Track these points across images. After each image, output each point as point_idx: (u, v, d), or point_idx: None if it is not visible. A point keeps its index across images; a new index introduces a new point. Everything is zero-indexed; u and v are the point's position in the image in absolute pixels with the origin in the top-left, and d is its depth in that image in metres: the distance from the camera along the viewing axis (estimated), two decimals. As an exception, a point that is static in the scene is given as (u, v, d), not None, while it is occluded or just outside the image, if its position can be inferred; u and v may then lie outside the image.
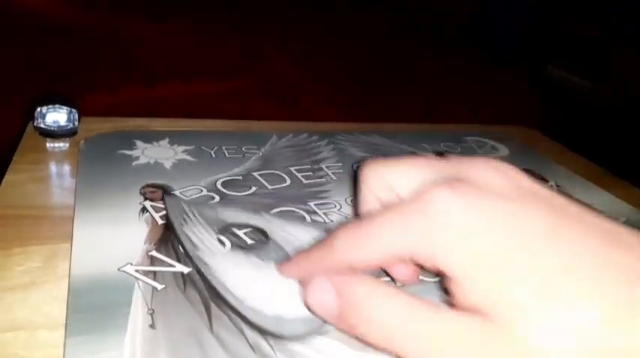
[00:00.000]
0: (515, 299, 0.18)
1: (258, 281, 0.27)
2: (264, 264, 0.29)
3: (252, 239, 0.31)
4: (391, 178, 0.24)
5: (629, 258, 0.18)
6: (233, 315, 0.25)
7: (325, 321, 0.24)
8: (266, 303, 0.26)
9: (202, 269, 0.28)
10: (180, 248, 0.29)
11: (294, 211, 0.35)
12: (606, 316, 0.17)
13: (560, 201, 0.21)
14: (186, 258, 0.28)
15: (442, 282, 0.21)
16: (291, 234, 0.32)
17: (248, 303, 0.26)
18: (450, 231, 0.20)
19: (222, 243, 0.30)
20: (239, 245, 0.30)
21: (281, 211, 0.35)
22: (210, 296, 0.26)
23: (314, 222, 0.34)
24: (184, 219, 0.32)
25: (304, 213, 0.35)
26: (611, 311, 0.17)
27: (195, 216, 0.32)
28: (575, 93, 2.20)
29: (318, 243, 0.25)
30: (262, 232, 0.32)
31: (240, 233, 0.32)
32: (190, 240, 0.30)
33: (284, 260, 0.28)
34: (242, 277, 0.28)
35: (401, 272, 0.26)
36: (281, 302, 0.26)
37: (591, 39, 2.22)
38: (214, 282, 0.27)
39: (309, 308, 0.24)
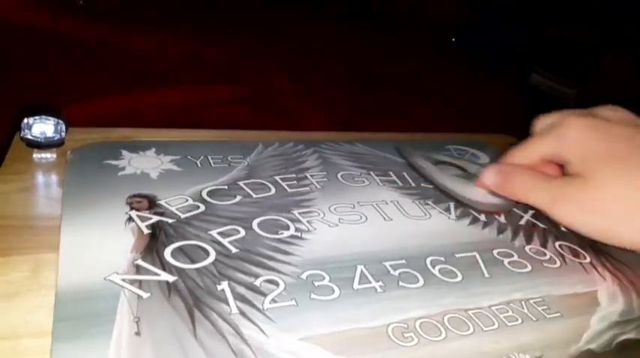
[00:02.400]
0: (596, 168, 0.33)
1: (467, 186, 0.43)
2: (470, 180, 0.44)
3: (236, 248, 0.32)
4: (549, 120, 0.39)
5: None
6: (217, 321, 0.26)
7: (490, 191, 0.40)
8: (473, 193, 0.42)
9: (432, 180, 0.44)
10: (170, 256, 0.30)
11: (278, 220, 0.36)
12: None
13: None
14: (172, 267, 0.29)
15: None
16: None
17: (463, 195, 0.43)
18: (572, 136, 0.35)
19: (206, 252, 0.31)
20: (223, 253, 0.31)
21: (264, 220, 0.36)
22: (194, 302, 0.27)
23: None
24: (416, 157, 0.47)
25: (288, 222, 0.36)
26: None
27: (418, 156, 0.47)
28: (561, 99, 2.24)
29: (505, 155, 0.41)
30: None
31: (225, 241, 0.32)
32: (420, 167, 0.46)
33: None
34: (456, 183, 0.44)
35: (547, 170, 0.39)
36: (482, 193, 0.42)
37: (576, 46, 2.26)
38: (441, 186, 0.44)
39: (483, 183, 0.41)
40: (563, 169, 0.38)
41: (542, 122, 0.40)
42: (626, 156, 0.33)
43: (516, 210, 0.43)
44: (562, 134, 0.36)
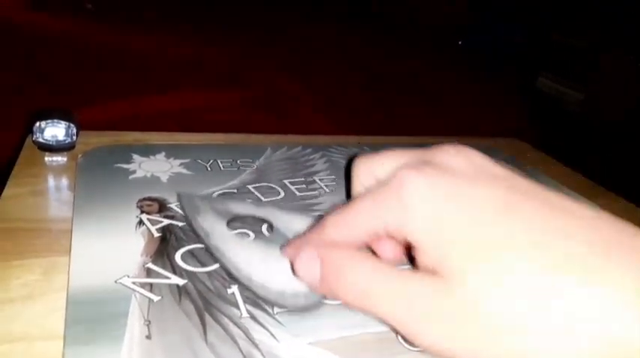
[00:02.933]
0: (460, 262, 0.22)
1: (265, 262, 0.31)
2: (271, 250, 0.32)
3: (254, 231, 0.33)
4: (375, 168, 0.28)
5: (570, 221, 0.21)
6: (228, 325, 0.26)
7: (311, 289, 0.27)
8: (271, 280, 0.29)
9: (215, 253, 0.31)
10: (180, 260, 0.30)
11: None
12: (540, 270, 0.20)
13: (517, 180, 0.24)
14: (182, 270, 0.29)
15: (409, 255, 0.25)
16: (291, 223, 0.36)
17: (256, 280, 0.29)
18: (414, 206, 0.23)
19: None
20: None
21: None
22: (205, 306, 0.27)
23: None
24: (197, 212, 0.35)
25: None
26: (545, 267, 0.20)
27: (206, 209, 0.35)
28: (567, 104, 2.23)
29: (311, 227, 0.29)
30: (266, 222, 0.36)
31: (247, 228, 0.33)
32: (203, 229, 0.33)
33: (282, 246, 0.31)
34: (251, 259, 0.31)
35: (385, 250, 0.28)
36: (285, 279, 0.29)
37: (581, 50, 2.25)
38: (226, 264, 0.30)
39: (297, 276, 0.27)
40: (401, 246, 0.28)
41: (366, 169, 0.28)
42: (503, 241, 0.21)
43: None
44: (403, 202, 0.23)
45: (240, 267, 0.30)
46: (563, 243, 0.20)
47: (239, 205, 0.37)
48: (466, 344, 0.21)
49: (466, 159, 0.25)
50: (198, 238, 0.32)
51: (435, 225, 0.23)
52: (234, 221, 0.35)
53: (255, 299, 0.28)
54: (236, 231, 0.34)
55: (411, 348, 0.26)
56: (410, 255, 0.25)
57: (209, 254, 0.31)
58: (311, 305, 0.28)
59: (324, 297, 0.28)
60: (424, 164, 0.25)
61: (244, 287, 0.29)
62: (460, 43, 2.52)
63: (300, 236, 0.30)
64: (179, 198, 0.36)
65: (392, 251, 0.28)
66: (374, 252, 0.29)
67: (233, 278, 0.29)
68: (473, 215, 0.22)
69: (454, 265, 0.22)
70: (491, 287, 0.21)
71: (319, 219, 0.29)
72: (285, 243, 0.31)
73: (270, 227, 0.35)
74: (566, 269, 0.20)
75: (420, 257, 0.23)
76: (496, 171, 0.25)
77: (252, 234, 0.34)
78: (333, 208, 0.27)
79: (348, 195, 0.31)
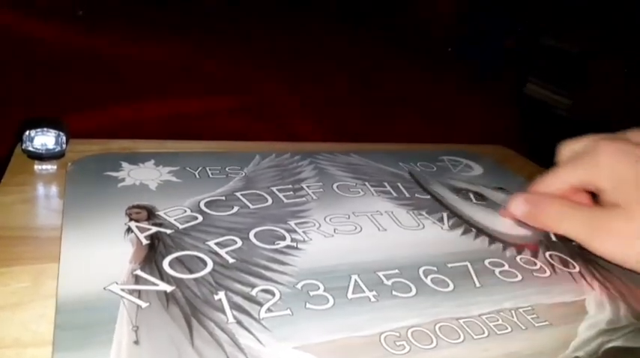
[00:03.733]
0: (635, 197, 0.33)
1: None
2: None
3: (233, 258, 0.33)
4: (574, 146, 0.38)
5: None
6: (214, 330, 0.26)
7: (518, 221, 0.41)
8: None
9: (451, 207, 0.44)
10: (168, 267, 0.30)
11: (274, 230, 0.37)
12: None
13: None
14: (170, 277, 0.30)
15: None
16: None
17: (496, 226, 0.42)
18: (603, 163, 0.35)
19: (203, 262, 0.32)
20: (220, 263, 0.32)
21: (261, 231, 0.36)
22: (192, 312, 0.27)
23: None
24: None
25: (284, 232, 0.37)
26: None
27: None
28: (556, 109, 2.25)
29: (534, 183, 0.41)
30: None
31: (222, 251, 0.33)
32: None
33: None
34: (483, 214, 0.44)
35: (579, 199, 0.38)
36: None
37: (569, 55, 2.28)
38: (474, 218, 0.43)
39: (512, 213, 0.40)
40: (593, 198, 0.38)
41: (568, 148, 0.39)
42: None
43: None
44: (594, 161, 0.35)
45: (476, 220, 0.43)
46: None
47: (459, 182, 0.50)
48: (631, 253, 0.32)
49: None
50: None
51: (617, 175, 0.34)
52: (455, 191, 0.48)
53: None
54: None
55: (397, 352, 0.27)
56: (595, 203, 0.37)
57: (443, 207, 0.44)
58: (530, 238, 0.41)
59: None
60: (615, 138, 0.36)
61: (485, 233, 0.41)
62: (450, 49, 2.55)
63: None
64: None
65: (583, 199, 0.38)
66: None
67: (474, 226, 0.42)
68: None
69: (630, 198, 0.33)
70: None
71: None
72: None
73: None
74: None
75: (605, 198, 0.34)
76: None
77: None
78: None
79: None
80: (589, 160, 0.36)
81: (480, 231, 0.42)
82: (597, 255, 0.34)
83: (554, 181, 0.38)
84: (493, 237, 0.41)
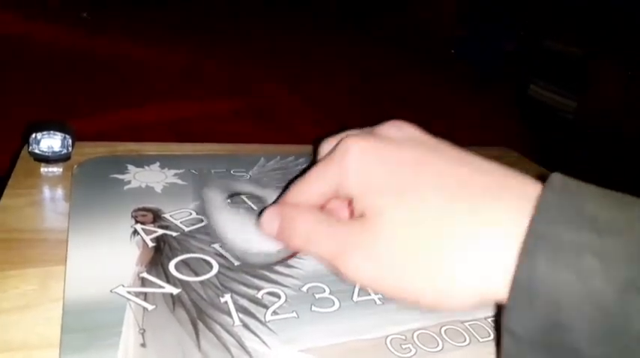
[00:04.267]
0: (380, 203, 0.26)
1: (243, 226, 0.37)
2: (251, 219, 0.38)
3: (238, 260, 0.33)
4: (331, 144, 0.31)
5: (471, 172, 0.26)
6: (220, 332, 0.26)
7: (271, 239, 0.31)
8: (242, 241, 0.35)
9: (208, 221, 0.37)
10: (174, 269, 0.31)
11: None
12: (438, 203, 0.25)
13: (439, 145, 0.29)
14: (176, 280, 0.30)
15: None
16: None
17: (230, 239, 0.35)
18: (350, 166, 0.28)
19: (209, 264, 0.32)
20: (226, 266, 0.32)
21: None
22: (198, 314, 0.27)
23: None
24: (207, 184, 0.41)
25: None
26: (445, 206, 0.25)
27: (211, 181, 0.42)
28: (559, 112, 2.25)
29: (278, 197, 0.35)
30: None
31: (228, 254, 0.33)
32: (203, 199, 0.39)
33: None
34: (235, 226, 0.37)
35: (337, 210, 0.32)
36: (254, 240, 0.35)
37: (573, 57, 2.28)
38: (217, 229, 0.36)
39: (262, 230, 0.31)
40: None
41: (325, 147, 0.32)
42: (413, 185, 0.26)
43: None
44: (340, 161, 0.28)
45: (221, 228, 0.36)
46: (459, 188, 0.25)
47: (242, 185, 0.43)
48: (390, 278, 0.26)
49: (400, 130, 0.30)
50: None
51: (365, 179, 0.28)
52: (234, 196, 0.41)
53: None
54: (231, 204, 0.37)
55: (403, 355, 0.27)
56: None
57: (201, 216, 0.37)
58: (264, 264, 0.33)
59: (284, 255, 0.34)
60: (365, 134, 0.30)
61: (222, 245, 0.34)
62: (453, 51, 2.55)
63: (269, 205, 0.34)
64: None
65: (342, 210, 0.32)
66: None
67: (214, 236, 0.35)
68: (393, 169, 0.27)
69: (375, 206, 0.27)
70: (398, 218, 0.26)
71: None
72: None
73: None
74: (458, 207, 0.25)
75: (354, 206, 0.28)
76: (423, 138, 0.30)
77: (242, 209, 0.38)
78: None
79: None
80: (336, 161, 0.29)
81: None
82: (345, 277, 0.27)
83: (307, 189, 0.31)
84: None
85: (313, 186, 0.30)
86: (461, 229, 0.24)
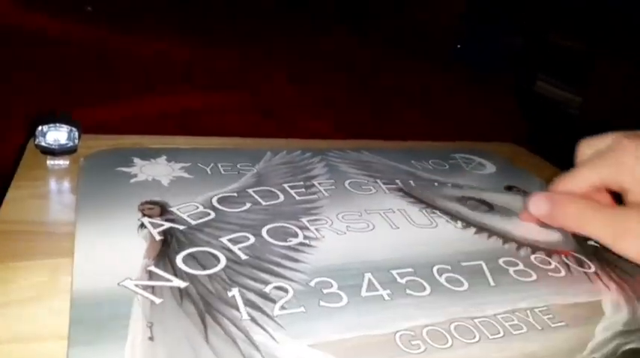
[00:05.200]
0: None
1: None
2: None
3: (246, 254, 0.32)
4: (596, 144, 0.38)
5: None
6: (228, 326, 0.26)
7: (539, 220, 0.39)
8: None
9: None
10: (181, 263, 0.30)
11: (286, 227, 0.37)
12: None
13: None
14: (183, 273, 0.30)
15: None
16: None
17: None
18: (628, 162, 0.34)
19: (217, 258, 0.32)
20: (233, 260, 0.32)
21: (273, 228, 0.36)
22: (206, 308, 0.27)
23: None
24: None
25: (297, 229, 0.37)
26: None
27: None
28: (566, 107, 2.24)
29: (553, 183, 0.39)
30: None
31: (235, 248, 0.33)
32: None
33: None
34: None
35: (600, 199, 0.37)
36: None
37: (580, 53, 2.26)
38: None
39: (531, 212, 0.39)
40: (614, 198, 0.37)
41: (588, 146, 0.38)
42: None
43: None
44: (618, 160, 0.35)
45: (502, 229, 0.41)
46: None
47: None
48: None
49: None
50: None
51: None
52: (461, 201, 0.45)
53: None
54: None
55: (412, 352, 0.27)
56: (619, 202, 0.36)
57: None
58: (563, 243, 0.40)
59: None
60: (638, 136, 0.35)
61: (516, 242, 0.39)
62: (459, 46, 2.53)
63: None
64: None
65: (604, 199, 0.37)
66: None
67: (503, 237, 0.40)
68: None
69: None
70: None
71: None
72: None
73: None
74: None
75: (629, 197, 0.34)
76: None
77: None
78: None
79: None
80: (612, 159, 0.35)
81: (509, 239, 0.40)
82: (621, 255, 0.34)
83: (575, 180, 0.37)
84: (519, 243, 0.40)
85: (585, 177, 0.36)
86: None
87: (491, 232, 0.41)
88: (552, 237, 0.41)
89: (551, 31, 2.39)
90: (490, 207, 0.45)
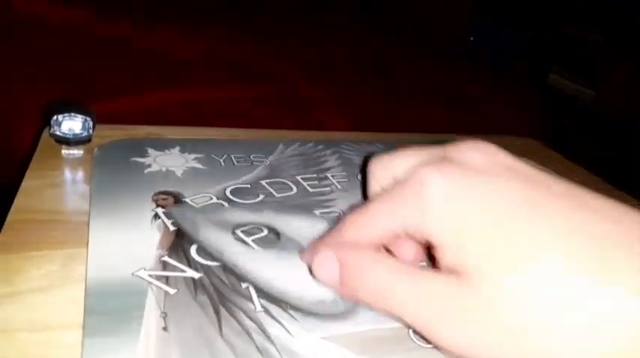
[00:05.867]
0: (483, 262, 0.21)
1: (291, 272, 0.30)
2: (287, 257, 0.31)
3: (258, 245, 0.32)
4: (392, 167, 0.27)
5: (592, 219, 0.21)
6: (242, 318, 0.26)
7: (330, 289, 0.27)
8: (306, 289, 0.28)
9: (233, 268, 0.30)
10: (195, 254, 0.30)
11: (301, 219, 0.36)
12: (564, 270, 0.20)
13: (538, 175, 0.24)
14: (197, 264, 0.30)
15: (429, 254, 0.25)
16: (300, 229, 0.35)
17: (292, 292, 0.28)
18: (434, 204, 0.23)
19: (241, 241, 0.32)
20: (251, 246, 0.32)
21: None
22: (220, 300, 0.27)
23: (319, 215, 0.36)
24: (197, 228, 0.33)
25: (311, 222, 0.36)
26: (569, 267, 0.20)
27: (206, 224, 0.34)
28: (580, 101, 2.21)
29: (330, 230, 0.29)
30: (273, 231, 0.34)
31: (248, 239, 0.33)
32: (213, 247, 0.31)
33: (301, 250, 0.31)
34: (276, 271, 0.30)
35: (404, 251, 0.28)
36: (317, 286, 0.28)
37: (594, 46, 2.23)
38: (255, 281, 0.29)
39: (316, 280, 0.27)
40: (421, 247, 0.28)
41: (383, 171, 0.28)
42: (529, 240, 0.21)
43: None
44: (418, 196, 0.23)
45: (269, 283, 0.29)
46: (587, 242, 0.20)
47: (235, 213, 0.35)
48: (489, 344, 0.21)
49: (484, 154, 0.24)
50: (211, 256, 0.30)
51: (457, 224, 0.22)
52: (235, 231, 0.33)
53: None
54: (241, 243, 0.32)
55: (424, 345, 0.27)
56: (430, 255, 0.25)
57: (230, 272, 0.29)
58: (350, 309, 0.28)
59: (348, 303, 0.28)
60: (442, 161, 0.24)
61: (275, 301, 0.28)
62: (472, 39, 2.50)
63: (317, 239, 0.30)
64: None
65: (411, 251, 0.28)
66: (392, 254, 0.28)
67: (266, 295, 0.28)
68: (494, 213, 0.22)
69: (476, 265, 0.21)
70: (514, 286, 0.20)
71: (336, 220, 0.31)
72: (299, 249, 0.32)
73: (276, 234, 0.34)
74: (590, 269, 0.20)
75: (442, 257, 0.23)
76: (516, 165, 0.24)
77: (255, 246, 0.32)
78: (350, 209, 0.28)
79: (365, 196, 0.31)
80: (413, 197, 0.24)
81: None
82: (441, 347, 0.23)
83: (369, 223, 0.26)
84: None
85: (379, 222, 0.25)
86: (594, 307, 0.19)
87: None
88: None
89: (566, 22, 2.36)
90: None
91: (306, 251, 0.30)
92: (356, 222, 0.27)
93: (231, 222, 0.34)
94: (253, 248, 0.32)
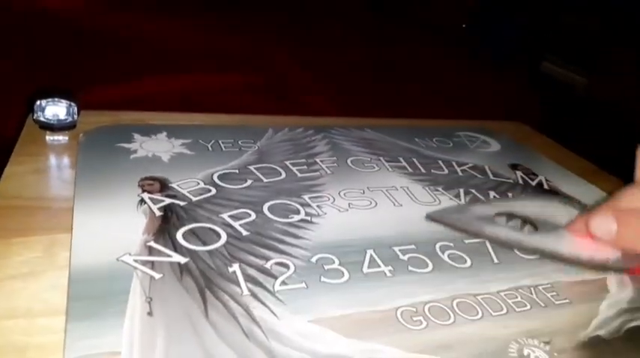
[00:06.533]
0: None
1: None
2: None
3: (247, 230, 0.32)
4: None
5: None
6: (228, 302, 0.26)
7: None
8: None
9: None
10: (182, 238, 0.30)
11: (288, 204, 0.36)
12: None
13: None
14: (184, 249, 0.29)
15: None
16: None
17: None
18: None
19: (217, 234, 0.31)
20: (234, 236, 0.31)
21: (274, 204, 0.36)
22: (206, 284, 0.27)
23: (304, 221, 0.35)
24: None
25: (298, 206, 0.36)
26: None
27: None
28: (572, 89, 2.21)
29: (606, 201, 0.35)
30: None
31: (236, 224, 0.32)
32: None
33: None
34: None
35: None
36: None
37: (587, 34, 2.22)
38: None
39: (594, 233, 0.33)
40: None
41: None
42: None
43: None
44: None
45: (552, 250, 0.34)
46: None
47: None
48: None
49: None
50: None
51: None
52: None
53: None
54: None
55: (413, 328, 0.27)
56: None
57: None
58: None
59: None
60: None
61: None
62: (464, 26, 2.49)
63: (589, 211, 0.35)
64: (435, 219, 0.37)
65: None
66: None
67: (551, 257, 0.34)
68: None
69: None
70: None
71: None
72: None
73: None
74: None
75: None
76: None
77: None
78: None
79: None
80: None
81: (560, 259, 0.34)
82: None
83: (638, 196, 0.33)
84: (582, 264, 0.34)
85: None
86: None
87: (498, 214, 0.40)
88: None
89: (564, 11, 2.35)
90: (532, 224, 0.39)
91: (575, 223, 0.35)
92: (630, 191, 0.34)
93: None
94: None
